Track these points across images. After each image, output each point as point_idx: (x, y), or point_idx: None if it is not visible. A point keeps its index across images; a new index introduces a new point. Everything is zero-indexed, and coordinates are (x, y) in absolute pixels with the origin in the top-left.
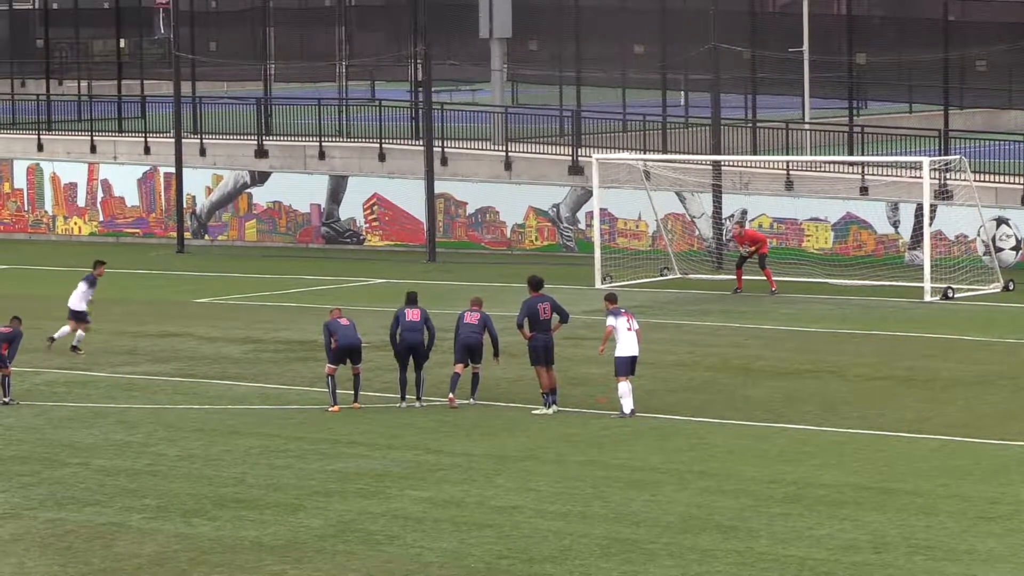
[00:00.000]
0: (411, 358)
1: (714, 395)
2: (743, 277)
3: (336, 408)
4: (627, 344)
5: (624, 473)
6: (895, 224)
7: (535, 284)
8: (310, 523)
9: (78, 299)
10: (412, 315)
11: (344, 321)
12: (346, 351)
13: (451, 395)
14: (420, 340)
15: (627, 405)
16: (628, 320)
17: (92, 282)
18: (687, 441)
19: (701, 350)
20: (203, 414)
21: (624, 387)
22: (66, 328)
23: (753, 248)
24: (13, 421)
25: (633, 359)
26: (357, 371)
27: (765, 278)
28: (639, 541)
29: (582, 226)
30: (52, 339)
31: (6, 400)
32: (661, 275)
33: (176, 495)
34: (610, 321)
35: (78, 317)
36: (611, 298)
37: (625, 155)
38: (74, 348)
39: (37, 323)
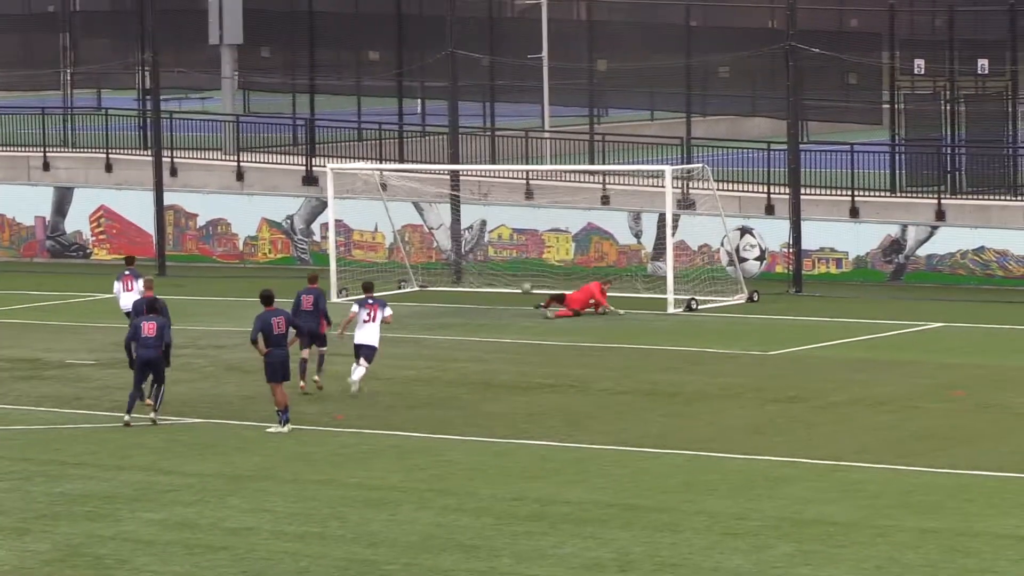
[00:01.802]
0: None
1: (454, 411)
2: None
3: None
4: (363, 333)
5: (362, 492)
6: (637, 234)
7: (267, 299)
8: (36, 547)
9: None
10: (148, 329)
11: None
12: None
13: (302, 382)
14: (157, 356)
15: (355, 387)
16: (371, 311)
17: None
18: (427, 459)
19: (441, 365)
20: None
21: (359, 371)
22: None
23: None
24: None
25: (364, 346)
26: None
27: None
28: (378, 562)
29: (317, 238)
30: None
31: None
32: (399, 288)
33: None
34: (354, 308)
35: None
36: (367, 287)
37: (360, 165)
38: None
39: None
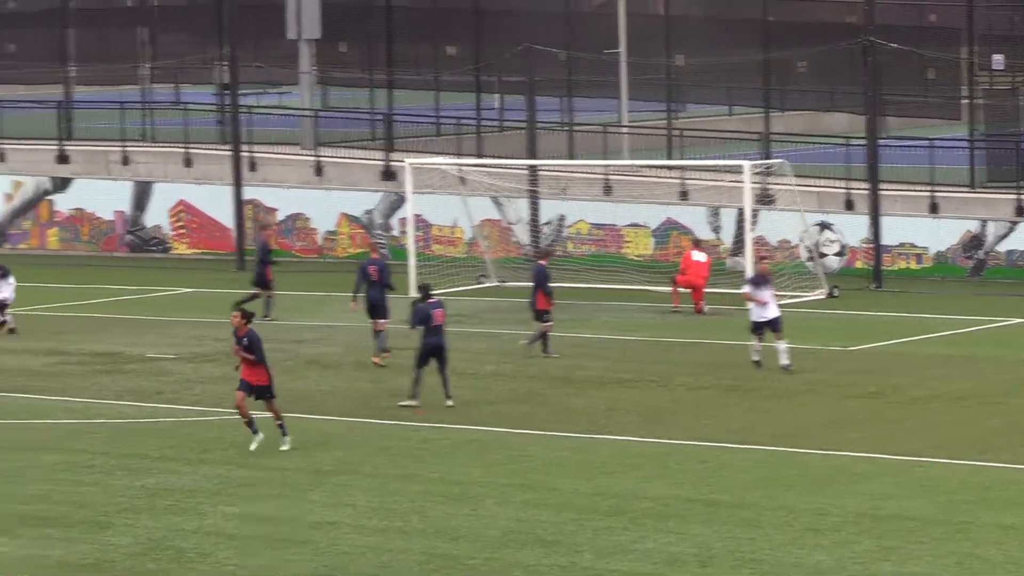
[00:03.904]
0: (434, 360)
1: (535, 406)
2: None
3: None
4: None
5: (443, 487)
6: (716, 229)
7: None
8: (119, 541)
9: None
10: (439, 317)
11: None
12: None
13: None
14: (444, 343)
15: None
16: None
17: None
18: (508, 454)
19: (521, 360)
20: (4, 429)
21: (782, 345)
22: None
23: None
24: None
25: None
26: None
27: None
28: (459, 557)
29: (396, 233)
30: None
31: None
32: (478, 283)
33: None
34: (747, 289)
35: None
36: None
37: (439, 160)
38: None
39: None
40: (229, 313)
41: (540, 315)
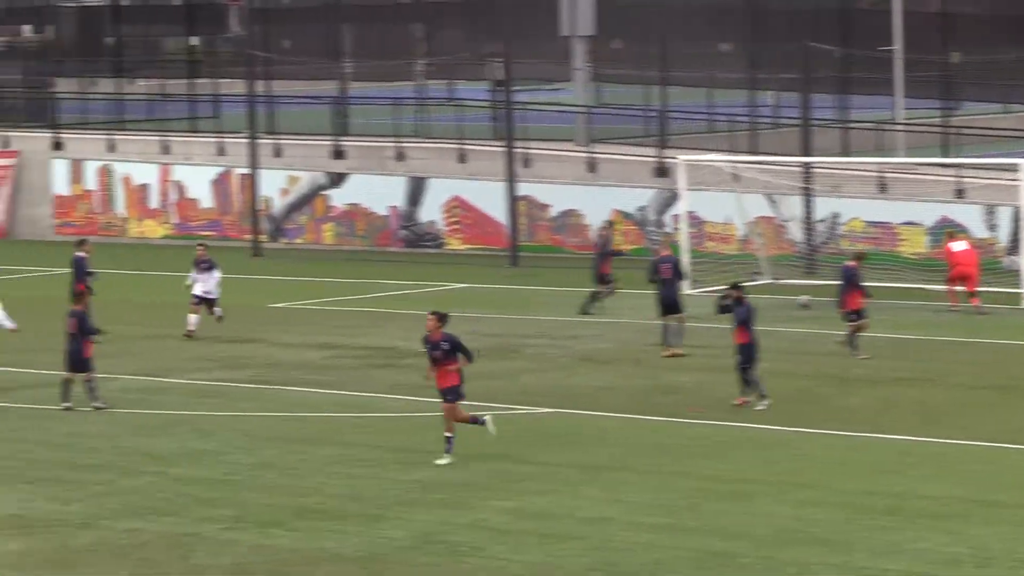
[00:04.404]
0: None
1: (810, 404)
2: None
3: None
4: None
5: (717, 484)
6: (992, 228)
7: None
8: (391, 534)
9: None
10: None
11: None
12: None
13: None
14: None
15: None
16: None
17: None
18: (784, 452)
19: (795, 358)
20: (280, 422)
21: None
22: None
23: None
24: (88, 428)
25: None
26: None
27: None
28: (734, 555)
29: (669, 229)
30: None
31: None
32: (752, 280)
33: (253, 505)
34: None
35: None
36: None
37: (712, 156)
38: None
39: (116, 329)
40: (505, 307)
41: (849, 315)
